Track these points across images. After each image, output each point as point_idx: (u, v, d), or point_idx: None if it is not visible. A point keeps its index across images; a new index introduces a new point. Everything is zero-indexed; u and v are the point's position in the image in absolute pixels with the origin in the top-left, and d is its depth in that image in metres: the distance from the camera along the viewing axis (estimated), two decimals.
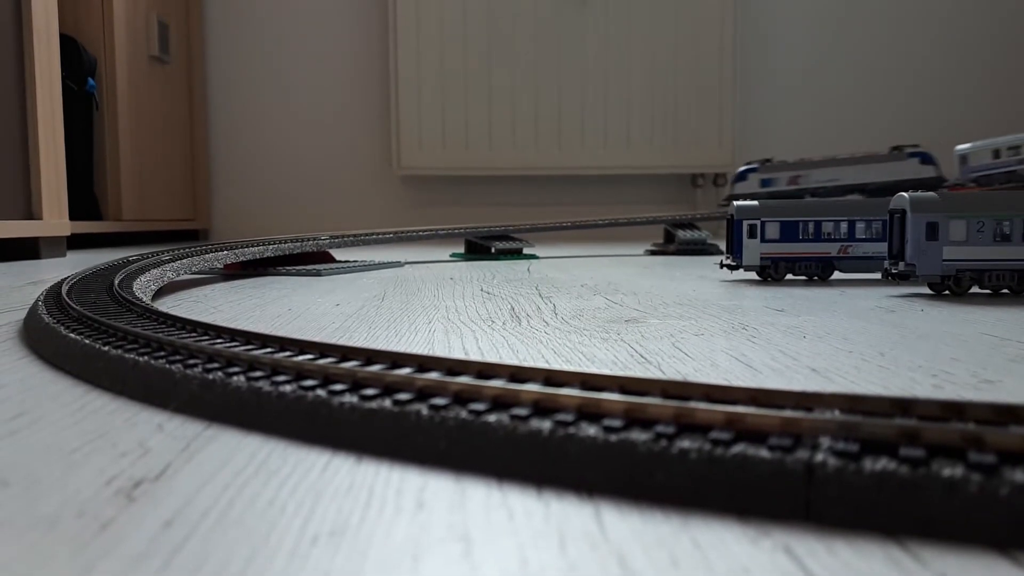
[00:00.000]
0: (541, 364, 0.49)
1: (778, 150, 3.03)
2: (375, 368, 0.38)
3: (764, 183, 1.83)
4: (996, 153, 1.67)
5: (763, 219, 1.09)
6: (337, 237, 1.55)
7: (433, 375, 0.36)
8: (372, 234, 1.65)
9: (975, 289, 0.91)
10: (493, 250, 1.72)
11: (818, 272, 1.09)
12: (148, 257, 1.06)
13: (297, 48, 2.98)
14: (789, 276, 1.11)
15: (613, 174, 2.94)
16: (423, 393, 0.35)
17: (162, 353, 0.45)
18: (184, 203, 2.83)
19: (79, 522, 0.26)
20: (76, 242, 2.08)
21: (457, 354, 0.56)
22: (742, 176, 1.86)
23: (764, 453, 0.27)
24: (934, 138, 3.02)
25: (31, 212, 1.74)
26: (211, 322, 0.51)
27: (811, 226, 1.08)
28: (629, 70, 2.88)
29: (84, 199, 2.25)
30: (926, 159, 1.80)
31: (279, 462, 0.33)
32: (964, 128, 3.02)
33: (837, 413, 0.29)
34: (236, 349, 0.43)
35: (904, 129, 3.02)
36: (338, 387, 0.37)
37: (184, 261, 1.06)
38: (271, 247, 1.33)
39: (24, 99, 1.72)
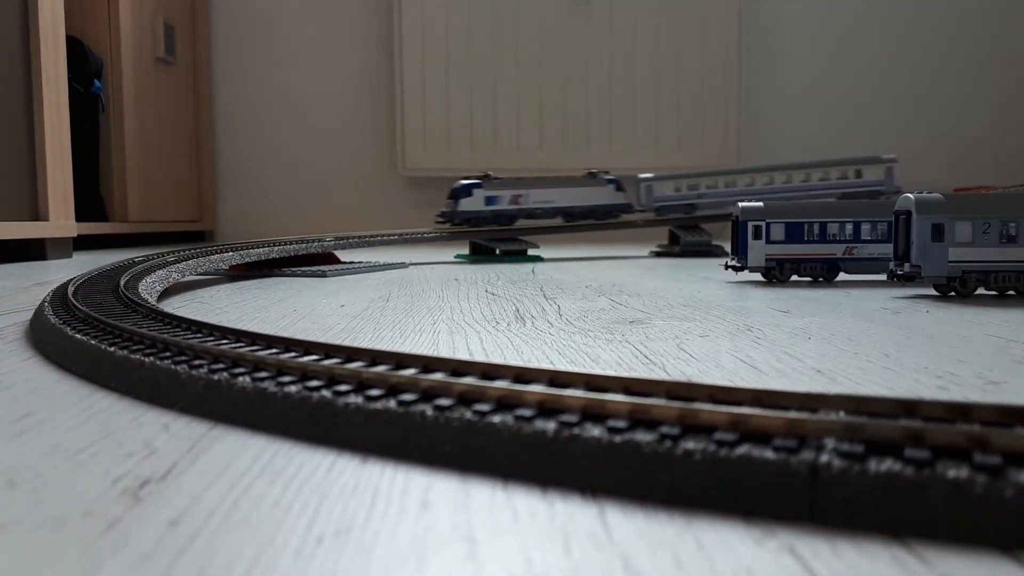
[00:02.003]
0: (545, 365, 0.49)
1: (782, 150, 3.02)
2: (380, 369, 0.38)
3: (488, 200, 1.75)
4: (677, 187, 1.88)
5: (768, 220, 1.08)
6: (342, 238, 1.55)
7: (438, 376, 0.36)
8: (377, 235, 1.66)
9: (981, 290, 0.91)
10: (498, 251, 1.72)
11: (823, 273, 1.09)
12: (154, 258, 1.07)
13: (302, 49, 2.98)
14: (794, 277, 1.10)
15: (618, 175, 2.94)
16: (428, 394, 0.35)
17: (168, 354, 0.45)
18: (189, 204, 2.84)
19: (86, 522, 0.26)
20: (82, 243, 2.09)
21: (462, 355, 0.56)
22: (466, 191, 1.75)
23: (769, 454, 0.27)
24: (935, 139, 3.01)
25: (37, 213, 1.75)
26: (216, 323, 0.51)
27: (816, 227, 1.08)
28: (634, 71, 2.88)
29: (90, 200, 2.26)
30: (619, 186, 1.87)
31: (284, 462, 0.33)
32: (964, 128, 3.01)
33: (842, 414, 0.29)
34: (241, 350, 0.43)
35: (905, 129, 3.02)
36: (343, 388, 0.37)
37: (189, 262, 1.06)
38: (276, 248, 1.33)
39: (30, 100, 1.72)
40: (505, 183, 1.78)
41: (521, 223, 1.81)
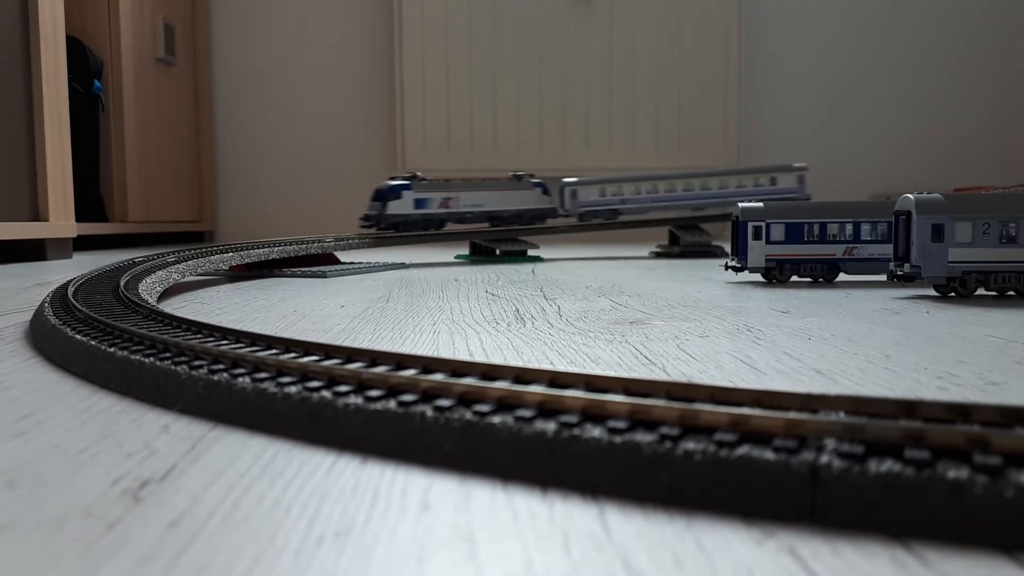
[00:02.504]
0: (545, 366, 0.49)
1: (782, 151, 3.02)
2: (380, 369, 0.38)
3: (418, 203, 1.65)
4: (602, 192, 1.84)
5: (768, 221, 1.08)
6: (342, 239, 1.55)
7: (438, 377, 0.36)
8: (377, 236, 1.66)
9: (981, 291, 0.91)
10: (498, 252, 1.72)
11: (823, 274, 1.09)
12: (154, 259, 1.07)
13: (302, 49, 2.98)
14: (794, 278, 1.10)
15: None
16: (428, 394, 0.35)
17: (168, 354, 0.45)
18: (190, 205, 2.84)
19: (86, 522, 0.26)
20: (82, 243, 2.09)
21: (462, 356, 0.56)
22: (394, 192, 1.64)
23: (769, 455, 0.27)
24: (935, 139, 3.02)
25: (37, 214, 1.75)
26: (216, 323, 0.51)
27: (816, 228, 1.08)
28: (634, 71, 2.88)
29: (90, 201, 2.26)
30: (546, 190, 1.83)
31: (284, 463, 0.33)
32: (964, 129, 3.01)
33: (842, 415, 0.29)
34: (241, 350, 0.43)
35: (905, 129, 3.02)
36: (343, 388, 0.37)
37: (189, 263, 1.06)
38: (276, 249, 1.33)
39: (31, 101, 1.72)
40: (435, 185, 1.70)
41: (450, 228, 1.74)
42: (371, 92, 2.99)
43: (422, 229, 1.68)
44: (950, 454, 0.26)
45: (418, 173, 1.70)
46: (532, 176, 1.84)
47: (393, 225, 1.65)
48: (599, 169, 2.91)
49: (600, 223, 1.84)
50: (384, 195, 1.65)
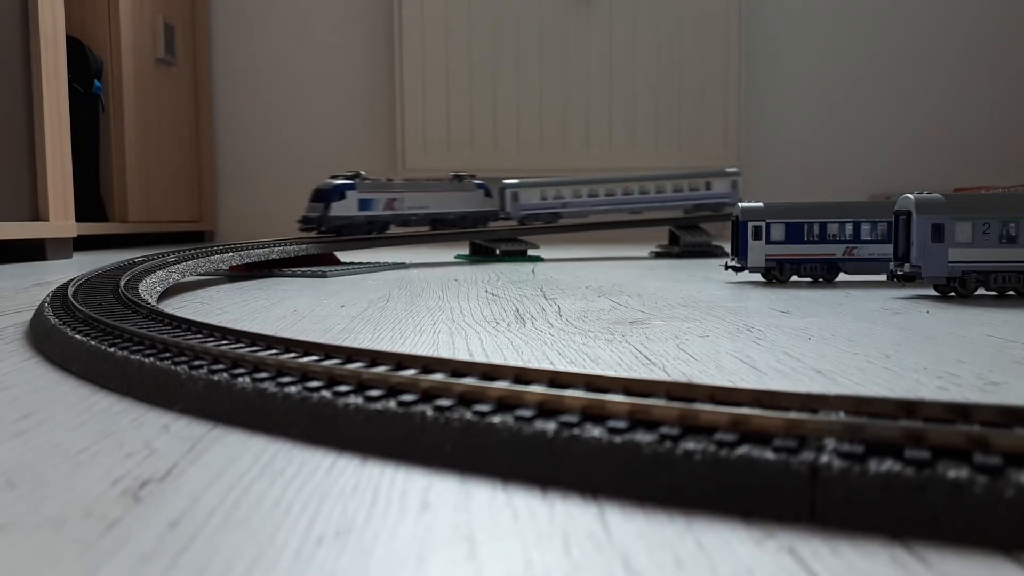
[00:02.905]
0: (546, 366, 0.49)
1: (782, 152, 3.02)
2: (380, 369, 0.38)
3: (363, 205, 1.53)
4: (543, 195, 1.81)
5: (768, 220, 1.08)
6: (342, 239, 1.55)
7: (438, 376, 0.36)
8: (377, 236, 1.66)
9: (981, 291, 0.91)
10: (498, 252, 1.72)
11: (823, 274, 1.09)
12: (154, 259, 1.07)
13: (302, 49, 2.98)
14: (794, 278, 1.10)
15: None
16: (428, 394, 0.35)
17: (168, 354, 0.45)
18: (190, 205, 2.84)
19: (86, 522, 0.26)
20: (82, 243, 2.09)
21: (462, 356, 0.56)
22: (338, 192, 1.51)
23: (769, 455, 0.27)
24: (935, 139, 3.02)
25: (37, 214, 1.75)
26: (216, 323, 0.51)
27: (816, 228, 1.08)
28: (634, 72, 2.88)
29: (90, 201, 2.26)
30: (488, 192, 1.77)
31: (284, 463, 0.33)
32: (964, 129, 3.01)
33: (842, 415, 0.29)
34: (241, 350, 0.43)
35: (905, 129, 3.02)
36: (343, 388, 0.37)
37: (189, 263, 1.06)
38: (276, 249, 1.33)
39: (31, 101, 1.72)
40: (379, 185, 1.59)
41: (393, 231, 1.64)
42: (371, 92, 2.99)
43: (366, 232, 1.57)
44: (950, 454, 0.26)
45: (362, 172, 1.58)
46: (474, 177, 1.78)
47: (336, 228, 1.52)
48: (600, 169, 2.91)
49: (540, 226, 1.81)
50: (327, 195, 1.52)
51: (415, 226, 1.67)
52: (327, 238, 1.50)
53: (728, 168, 1.92)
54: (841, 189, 2.89)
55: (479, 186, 1.77)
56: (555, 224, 1.82)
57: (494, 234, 1.76)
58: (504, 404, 0.33)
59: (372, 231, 1.58)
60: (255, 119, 3.01)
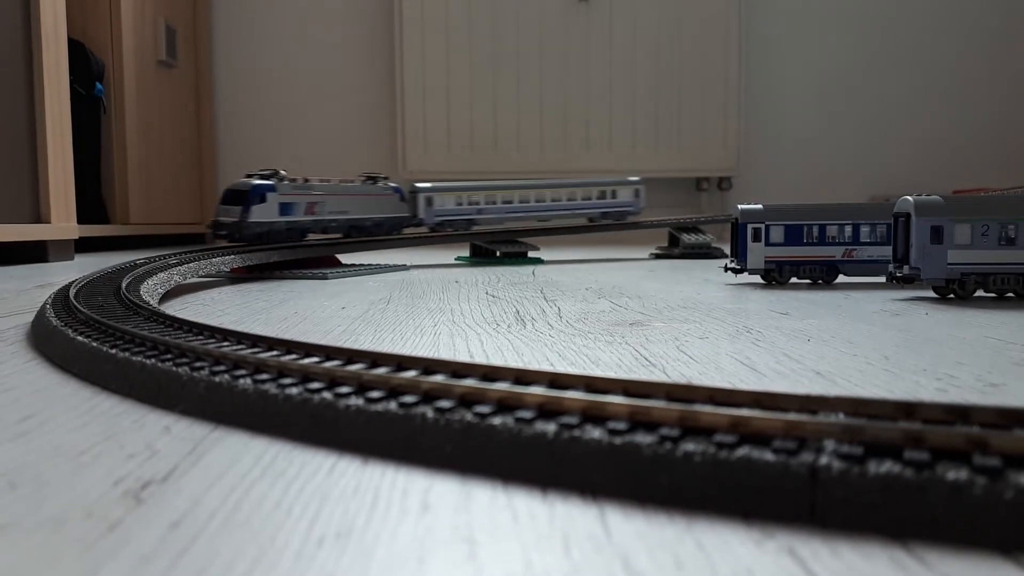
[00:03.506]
0: (546, 367, 0.49)
1: (781, 154, 3.02)
2: (381, 371, 0.38)
3: (283, 209, 1.35)
4: (458, 200, 1.73)
5: (767, 223, 1.09)
6: (343, 241, 1.55)
7: (438, 378, 0.36)
8: (378, 238, 1.66)
9: (980, 293, 0.91)
10: (498, 254, 1.72)
11: (822, 275, 1.09)
12: (155, 260, 1.07)
13: (303, 52, 2.98)
14: (793, 279, 1.10)
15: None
16: (428, 396, 0.35)
17: (169, 356, 0.45)
18: (191, 206, 2.84)
19: (87, 523, 0.26)
20: (84, 245, 2.09)
21: (462, 357, 0.56)
22: (259, 194, 1.32)
23: (769, 456, 0.27)
24: (934, 140, 3.02)
25: (39, 216, 1.75)
26: (218, 325, 0.51)
27: (815, 230, 1.08)
28: (634, 74, 2.88)
29: (92, 203, 2.26)
30: (403, 196, 1.66)
31: (285, 464, 0.33)
32: (963, 130, 3.01)
33: (841, 416, 0.29)
34: (243, 352, 0.44)
35: (905, 131, 3.02)
36: (344, 390, 0.37)
37: (191, 265, 1.07)
38: (277, 251, 1.33)
39: (32, 103, 1.72)
40: (300, 187, 1.41)
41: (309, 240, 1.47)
42: (372, 93, 2.99)
43: (285, 241, 1.38)
44: (950, 455, 0.26)
45: (281, 171, 1.39)
46: (387, 179, 1.65)
47: (256, 236, 1.33)
48: (600, 170, 2.91)
49: (451, 233, 1.72)
50: (247, 197, 1.32)
51: (333, 233, 1.51)
52: (243, 247, 1.30)
53: (631, 178, 1.93)
54: (840, 191, 2.89)
55: (395, 190, 1.64)
56: (469, 232, 1.73)
57: (494, 236, 1.76)
58: (504, 405, 0.33)
59: (290, 239, 1.39)
60: (256, 121, 3.01)
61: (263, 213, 1.33)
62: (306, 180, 1.43)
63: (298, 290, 1.09)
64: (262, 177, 1.36)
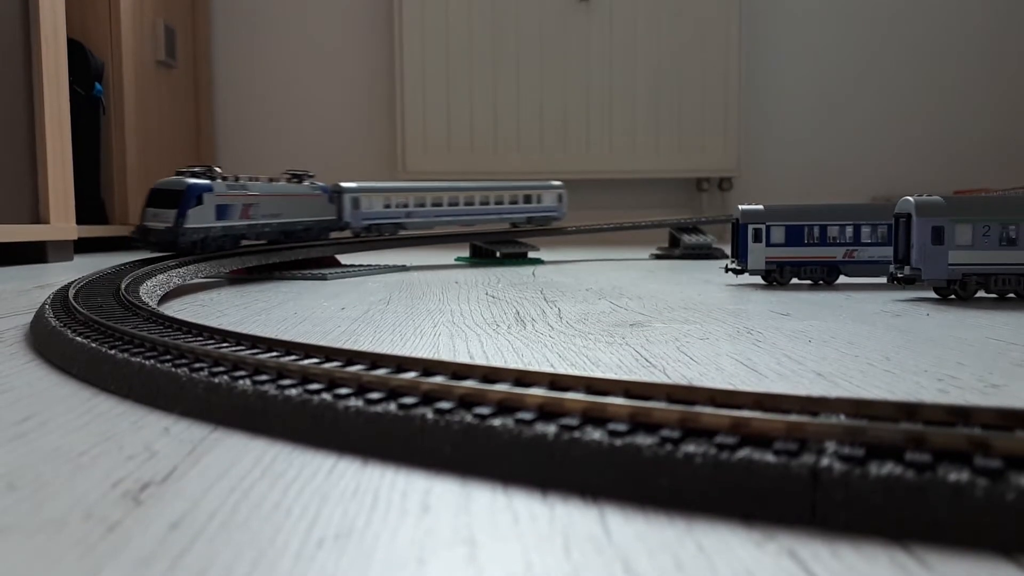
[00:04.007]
0: (546, 368, 0.49)
1: (782, 154, 3.02)
2: (380, 372, 0.38)
3: (220, 212, 1.18)
4: (386, 202, 1.60)
5: (768, 223, 1.08)
6: (342, 241, 1.55)
7: (438, 379, 0.36)
8: (377, 238, 1.66)
9: (981, 293, 0.91)
10: (498, 254, 1.72)
11: (823, 276, 1.09)
12: (155, 262, 1.07)
13: (303, 52, 2.98)
14: (794, 280, 1.10)
15: (618, 178, 2.94)
16: (428, 397, 0.35)
17: (168, 357, 0.45)
18: None
19: (86, 525, 0.26)
20: (83, 246, 2.09)
21: (462, 358, 0.56)
22: (195, 195, 1.14)
23: (769, 457, 0.27)
24: (935, 141, 3.02)
25: (38, 216, 1.75)
26: (217, 326, 0.51)
27: (816, 230, 1.08)
28: (634, 74, 2.88)
29: (91, 203, 2.26)
30: (332, 197, 1.53)
31: (285, 465, 0.33)
32: (964, 131, 3.01)
33: (842, 418, 0.29)
34: (242, 353, 0.43)
35: (905, 132, 3.02)
36: (343, 391, 0.37)
37: (191, 267, 1.06)
38: (277, 252, 1.33)
39: (32, 103, 1.72)
40: (234, 186, 1.24)
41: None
42: (371, 94, 2.99)
43: (218, 249, 1.20)
44: (951, 457, 0.26)
45: (216, 167, 1.23)
46: (313, 177, 1.49)
47: (192, 244, 1.14)
48: (601, 171, 2.91)
49: (378, 238, 1.58)
50: (182, 199, 1.13)
51: (267, 239, 1.35)
52: (170, 259, 1.08)
53: (554, 182, 1.89)
54: (841, 191, 2.89)
55: (323, 190, 1.50)
56: (395, 237, 1.61)
57: (495, 236, 1.76)
58: (504, 407, 0.33)
59: (223, 248, 1.22)
60: (255, 121, 3.01)
61: (200, 217, 1.14)
62: (237, 179, 1.27)
63: (297, 291, 1.09)
64: (194, 175, 1.19)
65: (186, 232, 1.13)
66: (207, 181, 1.18)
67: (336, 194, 1.54)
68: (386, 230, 1.61)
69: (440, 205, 1.69)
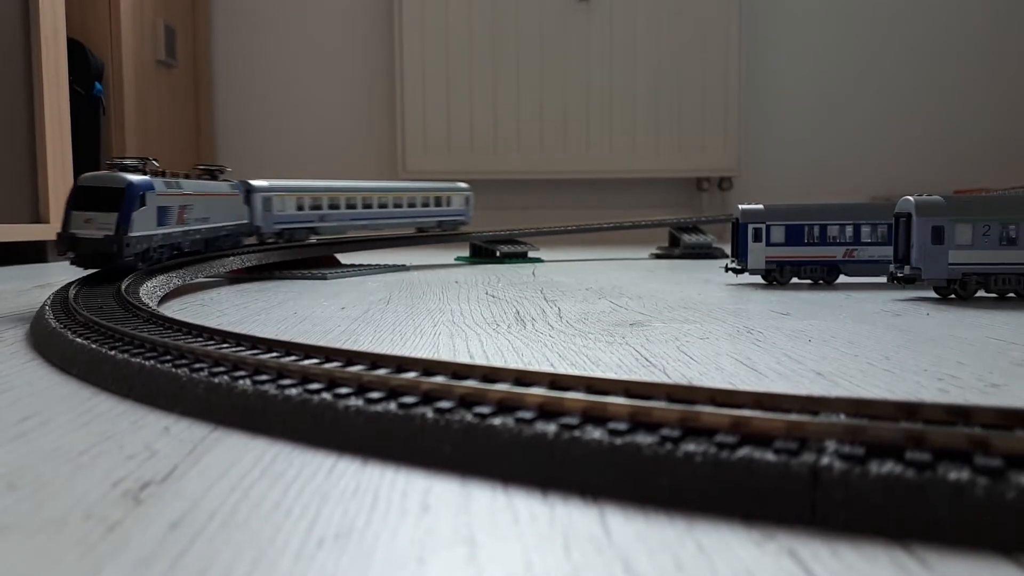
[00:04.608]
0: (546, 368, 0.49)
1: (782, 154, 3.02)
2: (380, 372, 0.38)
3: (160, 216, 0.96)
4: (299, 203, 1.39)
5: (768, 223, 1.08)
6: (342, 241, 1.55)
7: (438, 379, 0.36)
8: (377, 238, 1.66)
9: (981, 293, 0.91)
10: (498, 254, 1.72)
11: (823, 276, 1.09)
12: (154, 262, 1.06)
13: (303, 52, 2.98)
14: (794, 280, 1.10)
15: (618, 177, 2.94)
16: (428, 396, 0.35)
17: (168, 357, 0.45)
18: None
19: (86, 524, 0.26)
20: None
21: (462, 358, 0.56)
22: (138, 194, 0.90)
23: (770, 456, 0.27)
24: (935, 140, 3.02)
25: (38, 216, 1.75)
26: (217, 326, 0.51)
27: (816, 230, 1.08)
28: (634, 73, 2.88)
29: None
30: (245, 198, 1.31)
31: (285, 465, 0.33)
32: (964, 130, 3.01)
33: (843, 417, 0.29)
34: (242, 353, 0.43)
35: (905, 131, 3.02)
36: (343, 391, 0.37)
37: (191, 267, 1.06)
38: (276, 251, 1.33)
39: (32, 103, 1.72)
40: (171, 184, 1.03)
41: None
42: (371, 94, 2.99)
43: (156, 261, 0.98)
44: (951, 456, 0.26)
45: (152, 159, 1.00)
46: (222, 169, 1.24)
47: (135, 257, 0.91)
48: (601, 171, 2.91)
49: (294, 245, 1.38)
50: (123, 200, 0.88)
51: (197, 248, 1.13)
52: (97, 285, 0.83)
53: (460, 184, 1.80)
54: (841, 191, 2.89)
55: (240, 189, 1.29)
56: (305, 242, 1.41)
57: (494, 236, 1.76)
58: (504, 406, 0.33)
59: (160, 261, 1.00)
60: (255, 121, 3.01)
61: (143, 223, 0.91)
62: (175, 175, 1.07)
63: (297, 290, 1.08)
64: (125, 168, 0.93)
65: (131, 243, 0.88)
66: (146, 177, 0.94)
67: (247, 193, 1.32)
68: (298, 235, 1.41)
69: (354, 207, 1.53)
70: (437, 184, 1.79)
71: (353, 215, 1.54)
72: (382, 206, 1.60)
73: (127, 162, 0.96)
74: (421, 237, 1.75)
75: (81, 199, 0.89)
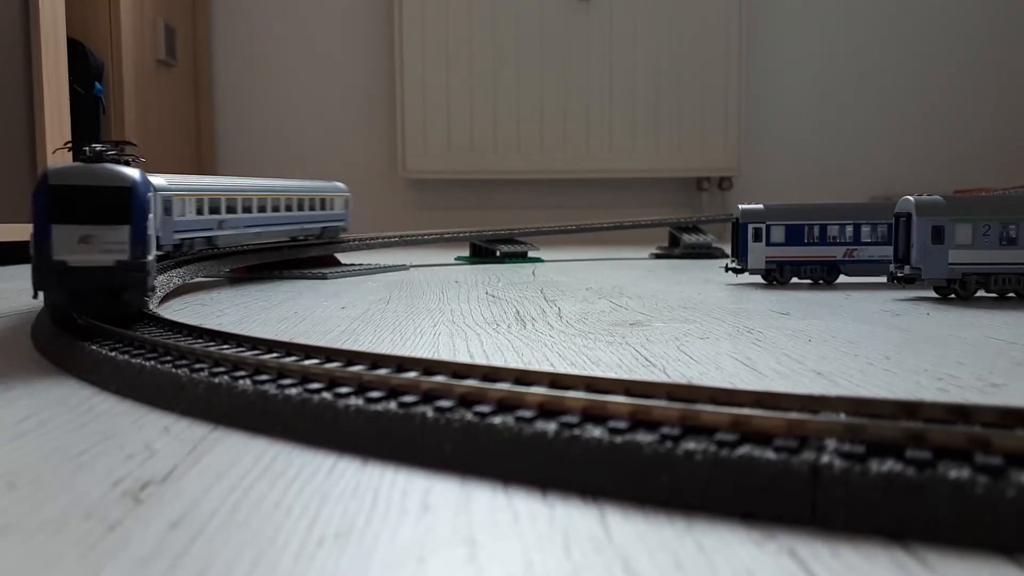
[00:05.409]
0: (546, 367, 0.49)
1: (782, 154, 3.02)
2: (381, 371, 0.38)
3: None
4: (199, 206, 1.11)
5: (768, 222, 1.08)
6: (342, 241, 1.55)
7: (438, 378, 0.36)
8: (377, 238, 1.66)
9: (981, 293, 0.91)
10: (498, 253, 1.72)
11: (823, 275, 1.09)
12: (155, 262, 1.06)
13: (303, 52, 2.98)
14: (794, 280, 1.10)
15: (618, 177, 2.94)
16: (428, 396, 0.35)
17: (168, 357, 0.45)
18: None
19: (86, 524, 0.26)
20: None
21: (462, 357, 0.56)
22: (142, 197, 0.59)
23: (770, 454, 0.27)
24: (935, 140, 3.02)
25: None
26: (217, 328, 0.51)
27: (816, 230, 1.08)
28: (634, 73, 2.88)
29: None
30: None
31: (285, 464, 0.33)
32: (964, 130, 3.01)
33: (843, 416, 0.29)
34: (243, 354, 0.43)
35: (905, 131, 3.02)
36: (344, 390, 0.37)
37: (191, 266, 1.06)
38: (276, 251, 1.33)
39: (31, 102, 1.72)
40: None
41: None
42: (371, 93, 2.99)
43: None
44: (951, 454, 0.26)
45: (128, 141, 0.70)
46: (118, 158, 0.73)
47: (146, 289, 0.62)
48: (601, 171, 2.91)
49: (199, 254, 1.13)
50: (130, 202, 0.59)
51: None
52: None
53: (339, 184, 1.56)
54: (841, 191, 2.89)
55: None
56: (209, 254, 1.16)
57: (494, 236, 1.76)
58: (505, 405, 0.33)
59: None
60: (256, 121, 3.01)
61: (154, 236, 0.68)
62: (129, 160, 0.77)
63: (297, 290, 1.08)
64: (96, 157, 0.62)
65: (151, 268, 0.60)
66: (139, 171, 0.62)
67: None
68: (197, 245, 1.12)
69: (250, 211, 1.26)
70: (318, 183, 1.51)
71: (250, 221, 1.27)
72: (275, 209, 1.34)
73: (96, 147, 0.63)
74: (422, 237, 1.75)
75: (64, 206, 0.58)
